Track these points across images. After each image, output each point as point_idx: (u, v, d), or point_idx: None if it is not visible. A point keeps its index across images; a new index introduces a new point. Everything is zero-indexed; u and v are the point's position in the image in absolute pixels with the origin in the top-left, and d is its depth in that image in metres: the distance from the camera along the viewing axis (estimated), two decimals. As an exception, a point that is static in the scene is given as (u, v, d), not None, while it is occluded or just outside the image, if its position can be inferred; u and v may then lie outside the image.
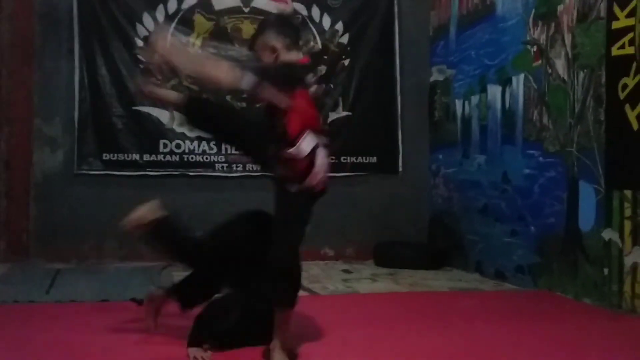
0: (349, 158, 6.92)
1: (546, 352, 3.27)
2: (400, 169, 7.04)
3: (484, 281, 5.59)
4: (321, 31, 6.96)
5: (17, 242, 6.31)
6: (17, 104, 6.38)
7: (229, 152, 6.73)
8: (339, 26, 6.99)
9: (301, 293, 4.90)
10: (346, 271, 6.11)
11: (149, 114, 6.59)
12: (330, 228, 6.83)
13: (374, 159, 6.98)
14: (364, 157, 6.96)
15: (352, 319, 3.91)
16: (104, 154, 6.51)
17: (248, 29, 6.87)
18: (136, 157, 6.55)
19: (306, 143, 2.89)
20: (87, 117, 6.49)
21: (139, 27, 6.60)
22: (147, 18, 6.61)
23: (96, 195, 6.44)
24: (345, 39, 7.01)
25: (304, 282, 5.37)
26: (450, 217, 6.53)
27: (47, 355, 3.11)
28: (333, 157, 6.85)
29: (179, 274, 5.73)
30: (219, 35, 6.79)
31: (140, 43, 6.58)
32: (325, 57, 6.96)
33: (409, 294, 5.03)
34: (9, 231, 6.33)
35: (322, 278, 5.67)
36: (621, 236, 4.23)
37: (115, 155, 6.52)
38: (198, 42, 6.73)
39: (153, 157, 6.58)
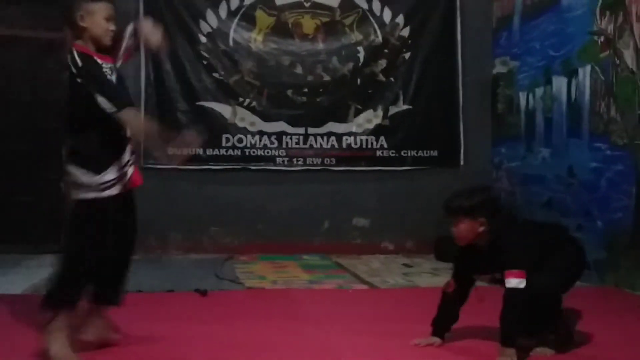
0: (409, 152, 6.89)
1: (614, 349, 3.20)
2: (462, 162, 6.96)
3: (548, 277, 5.48)
4: (382, 24, 6.93)
5: (86, 234, 6.50)
6: (86, 100, 6.57)
7: (289, 146, 6.79)
8: (400, 19, 6.95)
9: (361, 286, 4.95)
10: (406, 265, 6.09)
11: (212, 109, 6.71)
12: (391, 222, 6.82)
13: (435, 153, 6.93)
14: (424, 151, 6.91)
15: (413, 313, 3.90)
16: (169, 149, 6.64)
17: (309, 23, 6.91)
18: (199, 151, 6.67)
19: None
20: (152, 113, 6.63)
21: (202, 23, 6.72)
22: (210, 15, 6.73)
23: (161, 188, 6.59)
24: (406, 32, 6.96)
25: (364, 275, 5.41)
26: (513, 211, 6.41)
27: (116, 342, 3.21)
28: (394, 151, 6.90)
29: (241, 266, 5.86)
30: (280, 30, 6.85)
31: (203, 39, 6.70)
32: (386, 50, 6.93)
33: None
34: (79, 223, 6.53)
35: (382, 272, 5.67)
36: (693, 232, 4.09)
37: (180, 149, 6.64)
38: (259, 38, 6.80)
39: (216, 152, 6.70)
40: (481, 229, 3.04)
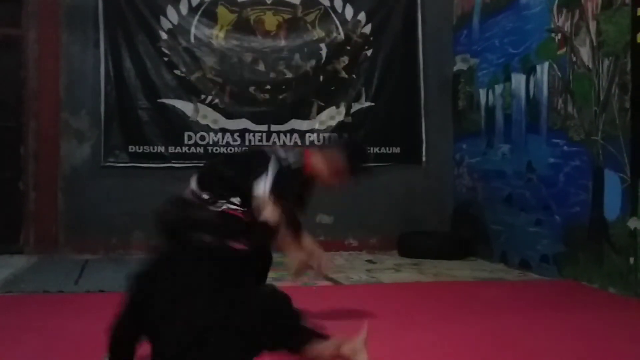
0: (372, 148, 6.92)
1: (571, 342, 3.27)
2: (424, 159, 7.03)
3: (509, 271, 5.58)
4: (343, 21, 6.96)
5: (46, 234, 6.42)
6: (44, 98, 6.47)
7: (252, 143, 6.77)
8: (362, 16, 6.98)
9: (326, 283, 4.98)
10: (370, 261, 6.13)
11: (174, 107, 6.66)
12: (354, 219, 6.86)
13: (398, 150, 6.98)
14: (387, 148, 6.96)
15: (376, 308, 3.93)
16: (130, 147, 6.59)
17: (271, 20, 6.90)
18: (161, 149, 6.62)
19: None
20: (113, 110, 6.57)
21: (163, 20, 6.65)
22: (170, 11, 6.66)
23: (123, 187, 6.53)
24: (367, 29, 7.00)
25: (328, 272, 5.43)
26: (474, 207, 6.51)
27: (77, 344, 3.17)
28: (356, 148, 6.92)
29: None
30: (242, 27, 6.82)
31: (164, 36, 6.64)
32: (348, 47, 6.96)
33: (433, 283, 5.03)
34: (38, 223, 6.44)
35: (346, 268, 5.69)
36: (647, 225, 4.19)
37: (141, 147, 6.60)
38: (221, 34, 6.77)
39: (178, 149, 6.65)
40: None
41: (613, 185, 4.48)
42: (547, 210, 5.25)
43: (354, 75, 6.96)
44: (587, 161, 4.77)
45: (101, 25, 6.55)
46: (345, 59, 6.94)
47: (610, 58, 4.55)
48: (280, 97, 6.85)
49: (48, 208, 6.44)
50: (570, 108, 5.00)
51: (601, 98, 4.64)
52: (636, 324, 3.65)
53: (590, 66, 4.76)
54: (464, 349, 3.13)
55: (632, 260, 4.29)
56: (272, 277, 5.14)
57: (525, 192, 5.58)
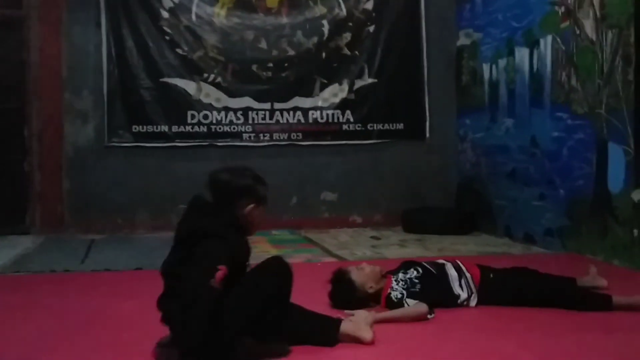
0: (375, 125, 6.92)
1: (575, 313, 3.28)
2: (427, 134, 7.02)
3: (513, 245, 5.59)
4: (346, -3, 6.91)
5: (51, 214, 6.45)
6: (47, 79, 6.47)
7: (256, 121, 6.77)
8: (364, -8, 6.94)
9: (330, 259, 5.01)
10: (375, 237, 6.14)
11: (176, 86, 6.65)
12: (358, 195, 6.87)
13: (401, 126, 6.97)
14: (390, 124, 6.95)
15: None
16: (134, 126, 6.59)
17: (272, -2, 6.86)
18: (165, 128, 6.63)
19: None
20: (115, 90, 6.57)
21: (164, -2, 6.63)
22: (172, -11, 6.63)
23: (127, 166, 6.55)
24: (370, 5, 6.95)
25: (333, 248, 5.46)
26: (478, 182, 6.51)
27: (84, 321, 3.20)
28: (360, 125, 6.93)
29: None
30: (243, 4, 6.79)
31: (165, 15, 6.61)
32: (350, 24, 6.92)
33: (437, 259, 5.03)
34: (44, 203, 6.47)
35: (350, 244, 5.72)
36: (651, 197, 4.19)
37: (145, 127, 6.60)
38: (222, 12, 6.74)
39: (181, 128, 6.65)
40: None
41: (617, 158, 4.47)
42: (550, 184, 5.25)
43: (356, 52, 6.93)
44: (591, 134, 4.75)
45: (102, 5, 6.54)
46: (347, 36, 6.91)
47: (614, 30, 4.52)
48: (283, 74, 6.83)
49: (53, 188, 6.47)
50: (574, 81, 4.98)
51: (605, 71, 4.61)
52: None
53: (594, 39, 4.73)
54: (470, 323, 3.15)
55: (635, 232, 4.30)
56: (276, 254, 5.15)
57: (529, 166, 5.58)
